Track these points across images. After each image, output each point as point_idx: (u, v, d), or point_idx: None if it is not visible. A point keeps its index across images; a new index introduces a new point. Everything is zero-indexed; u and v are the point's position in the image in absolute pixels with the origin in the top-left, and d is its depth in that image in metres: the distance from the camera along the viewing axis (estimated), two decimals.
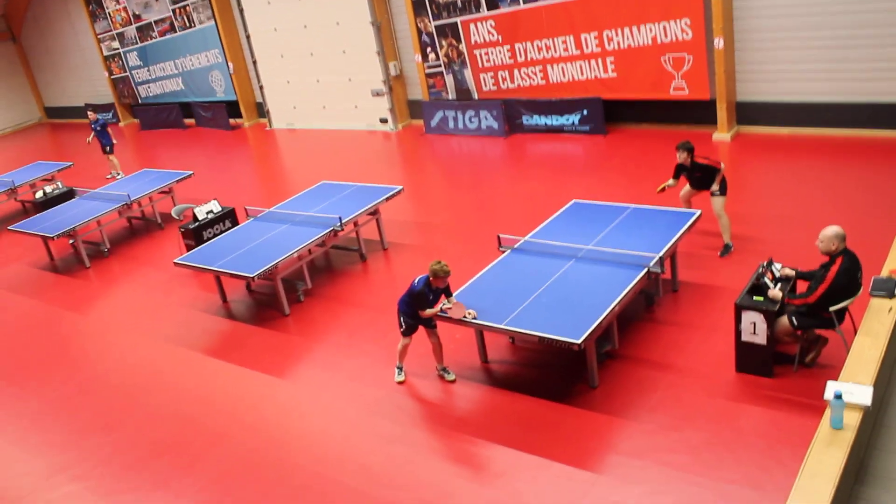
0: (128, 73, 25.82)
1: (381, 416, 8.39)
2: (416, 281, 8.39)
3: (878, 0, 12.93)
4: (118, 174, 19.06)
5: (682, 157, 10.50)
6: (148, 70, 25.13)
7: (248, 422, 8.72)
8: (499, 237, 9.91)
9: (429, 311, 8.35)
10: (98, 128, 19.08)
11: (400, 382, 8.86)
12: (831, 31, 13.53)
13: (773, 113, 14.77)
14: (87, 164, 21.06)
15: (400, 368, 8.95)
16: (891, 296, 7.40)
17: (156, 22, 23.95)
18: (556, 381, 8.49)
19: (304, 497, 7.42)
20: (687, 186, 10.95)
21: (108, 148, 19.18)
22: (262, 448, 8.21)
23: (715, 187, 10.46)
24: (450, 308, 8.26)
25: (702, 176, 10.58)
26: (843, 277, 7.39)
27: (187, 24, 23.12)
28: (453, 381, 8.69)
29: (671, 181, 10.86)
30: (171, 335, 11.04)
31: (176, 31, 23.58)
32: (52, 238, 13.74)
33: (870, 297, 7.49)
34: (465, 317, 8.21)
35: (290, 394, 9.21)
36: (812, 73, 14.04)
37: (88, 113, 19.97)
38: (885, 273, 7.82)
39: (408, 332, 8.70)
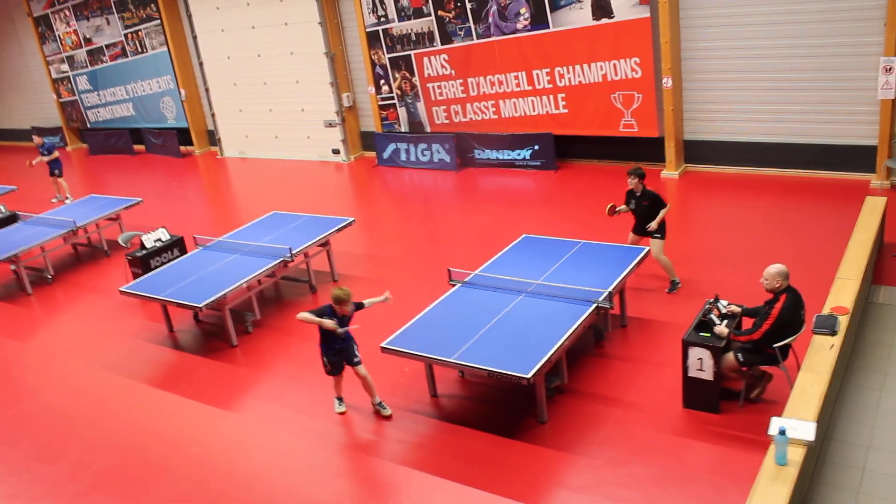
0: (77, 97, 25.47)
1: (328, 450, 8.30)
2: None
3: (819, 46, 13.37)
4: (67, 198, 18.73)
5: (632, 182, 10.49)
6: (98, 94, 24.82)
7: (194, 454, 8.55)
8: (449, 271, 9.93)
9: (327, 323, 8.20)
10: (45, 151, 18.81)
11: (341, 413, 8.82)
12: (775, 74, 13.95)
13: (720, 152, 15.11)
14: (33, 189, 20.63)
15: (339, 400, 8.90)
16: (832, 333, 7.59)
17: (107, 46, 23.71)
18: (506, 415, 8.49)
19: None
20: (631, 234, 10.86)
21: (56, 171, 18.92)
22: (207, 481, 8.05)
23: (654, 226, 10.38)
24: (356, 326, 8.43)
25: (648, 206, 10.47)
26: (787, 314, 7.54)
27: (139, 50, 22.93)
28: (389, 417, 8.59)
29: (623, 207, 10.84)
30: (115, 365, 10.80)
31: (128, 56, 23.36)
32: None
33: (812, 334, 7.67)
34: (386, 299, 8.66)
35: (237, 426, 9.06)
36: (757, 115, 14.43)
37: (34, 137, 19.66)
38: (826, 311, 8.02)
39: (334, 370, 8.65)
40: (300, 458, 8.26)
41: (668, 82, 14.71)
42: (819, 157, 14.09)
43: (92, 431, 9.24)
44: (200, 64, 21.95)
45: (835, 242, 10.61)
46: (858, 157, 13.65)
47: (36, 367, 11.23)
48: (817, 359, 7.30)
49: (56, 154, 19.12)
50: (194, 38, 21.67)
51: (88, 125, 25.63)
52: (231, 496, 7.77)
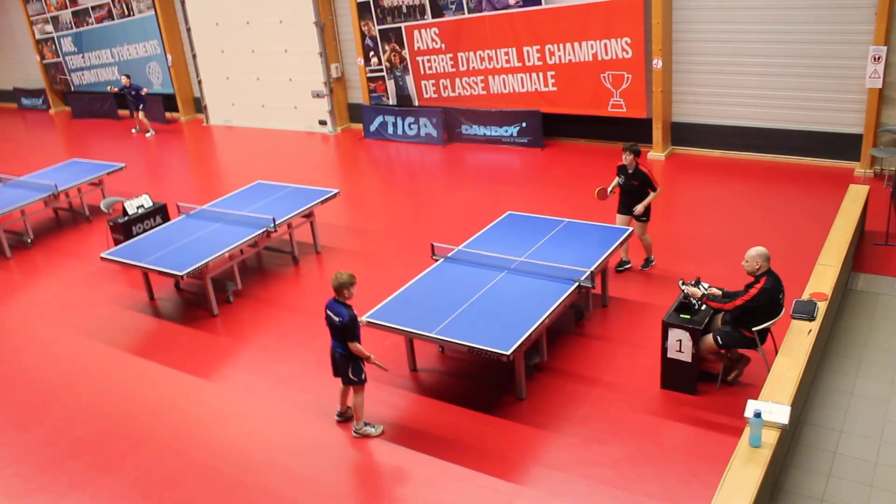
0: (61, 59, 25.13)
1: (307, 422, 8.31)
2: (335, 316, 7.55)
3: (810, 33, 13.38)
4: (148, 131, 21.49)
5: (627, 158, 10.23)
6: (83, 57, 24.49)
7: (172, 423, 8.55)
8: (432, 245, 9.92)
9: (362, 350, 7.60)
10: (132, 92, 21.17)
11: (383, 433, 8.01)
12: (764, 59, 13.95)
13: (707, 135, 15.13)
14: (14, 151, 20.43)
15: (369, 424, 8.02)
16: (811, 318, 7.66)
17: (93, 7, 23.36)
18: (485, 392, 8.53)
19: (228, 501, 7.30)
20: (618, 216, 10.63)
21: (141, 106, 21.43)
22: (185, 450, 8.06)
23: (640, 209, 10.26)
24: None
25: (638, 185, 10.29)
26: (765, 296, 7.59)
27: (126, 13, 22.62)
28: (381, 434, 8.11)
29: (609, 188, 10.67)
30: (94, 331, 10.76)
31: (114, 19, 23.04)
32: None
33: (791, 318, 7.74)
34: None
35: (216, 396, 9.06)
36: (745, 99, 14.44)
37: (122, 77, 21.53)
38: (806, 296, 8.09)
39: (366, 378, 7.83)
40: (279, 429, 8.28)
41: (658, 63, 14.68)
42: (805, 144, 14.14)
43: (70, 398, 9.21)
44: (188, 30, 21.68)
45: (817, 229, 10.68)
46: (844, 145, 13.71)
47: (14, 331, 11.17)
48: (795, 344, 7.37)
49: (144, 91, 21.51)
50: (182, 2, 21.39)
51: (73, 88, 25.32)
52: (208, 466, 7.78)
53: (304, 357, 9.53)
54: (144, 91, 21.58)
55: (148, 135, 21.52)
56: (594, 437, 7.62)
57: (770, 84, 14.10)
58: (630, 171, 10.37)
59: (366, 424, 7.98)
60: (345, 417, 8.22)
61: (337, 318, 7.52)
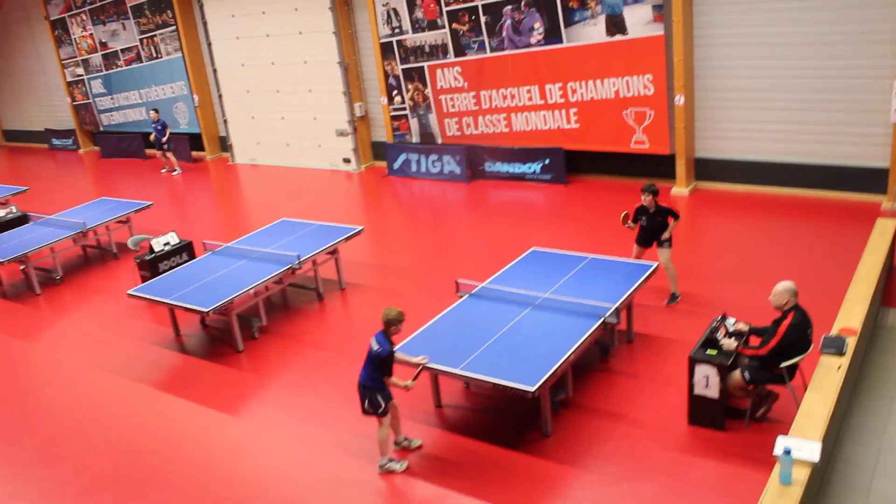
0: (90, 101, 25.61)
1: (331, 458, 8.28)
2: (377, 346, 7.56)
3: (834, 68, 13.36)
4: (175, 170, 21.91)
5: (646, 199, 10.40)
6: (111, 98, 24.95)
7: (197, 458, 8.55)
8: (457, 282, 9.93)
9: (396, 382, 7.62)
10: (159, 127, 21.70)
11: (407, 469, 7.96)
12: (789, 94, 13.93)
13: (731, 170, 15.08)
14: (44, 190, 20.76)
15: (393, 460, 7.99)
16: (840, 353, 7.55)
17: (122, 50, 23.84)
18: (510, 427, 8.46)
19: None
20: (635, 247, 10.84)
21: (166, 146, 21.86)
22: (209, 485, 8.05)
23: (666, 236, 10.48)
24: (412, 385, 7.72)
25: (663, 220, 10.47)
26: (794, 332, 7.51)
27: (154, 55, 23.06)
28: (420, 447, 8.25)
29: (630, 223, 10.80)
30: (120, 367, 10.82)
31: (142, 61, 23.49)
32: (3, 263, 13.44)
33: (820, 354, 7.63)
34: (424, 364, 7.94)
35: (240, 431, 9.06)
36: (769, 134, 14.41)
37: (151, 113, 22.34)
38: (835, 331, 7.98)
39: (387, 410, 7.73)
40: (302, 465, 8.25)
41: (680, 100, 14.71)
42: (830, 179, 14.05)
43: (95, 433, 9.25)
44: (214, 70, 22.05)
45: (844, 263, 10.55)
46: (870, 180, 13.61)
47: (41, 367, 11.27)
48: (824, 379, 7.26)
49: (168, 130, 21.91)
50: (209, 44, 21.79)
51: (101, 128, 25.76)
52: (231, 501, 7.75)
53: (328, 393, 9.52)
54: (168, 130, 21.94)
55: (175, 173, 21.81)
56: (621, 475, 7.52)
57: (794, 119, 14.06)
58: (652, 211, 10.53)
59: (390, 460, 7.94)
60: (400, 446, 8.22)
61: (377, 348, 7.56)
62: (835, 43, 13.25)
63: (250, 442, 8.82)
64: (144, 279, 12.44)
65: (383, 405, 7.70)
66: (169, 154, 21.98)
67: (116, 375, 10.61)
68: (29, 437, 9.33)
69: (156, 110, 22.11)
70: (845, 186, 13.95)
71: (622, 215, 10.81)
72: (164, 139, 21.79)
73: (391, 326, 7.61)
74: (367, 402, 7.70)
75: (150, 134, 22.47)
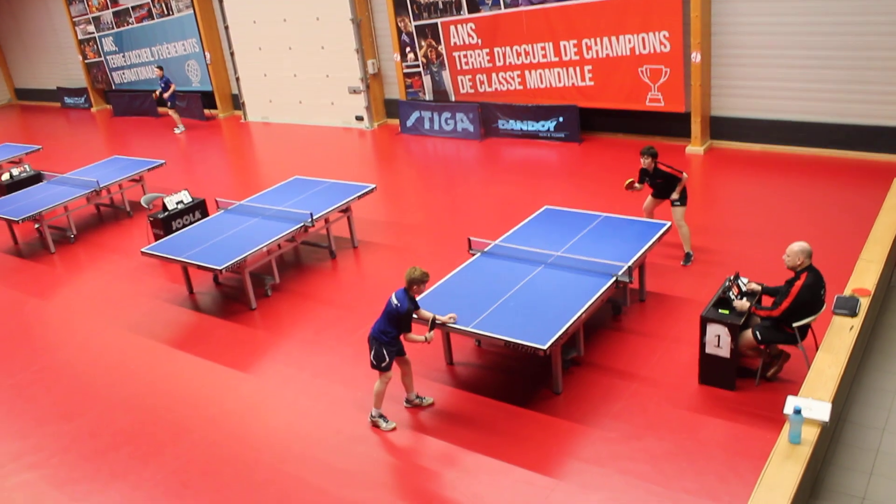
0: (102, 59, 25.52)
1: (344, 415, 8.36)
2: (395, 301, 7.62)
3: (853, 24, 13.12)
4: (177, 127, 21.90)
5: (645, 161, 10.54)
6: (123, 56, 24.85)
7: (211, 415, 8.66)
8: (469, 240, 9.92)
9: (414, 337, 7.71)
10: (162, 84, 21.51)
11: (394, 429, 8.04)
12: (806, 52, 13.71)
13: (747, 129, 14.92)
14: (57, 149, 20.80)
15: (384, 417, 8.07)
16: (853, 314, 7.53)
17: (133, 8, 23.69)
18: (521, 385, 8.51)
19: (264, 493, 7.38)
20: (649, 197, 11.01)
21: (169, 103, 21.66)
22: (223, 442, 8.16)
23: (675, 196, 10.52)
24: (431, 336, 7.82)
25: (663, 183, 10.63)
26: (807, 293, 7.48)
27: (165, 12, 22.91)
28: (432, 404, 8.35)
29: (637, 185, 10.90)
30: (135, 325, 10.93)
31: (154, 18, 23.34)
32: (17, 222, 13.54)
33: (832, 314, 7.61)
34: (452, 322, 8.03)
35: (254, 388, 9.15)
36: (786, 92, 14.21)
37: (155, 69, 22.32)
38: (848, 292, 7.95)
39: (390, 365, 7.83)
40: (315, 421, 8.34)
41: (696, 57, 14.52)
42: (847, 137, 13.88)
43: (110, 390, 9.37)
44: (226, 27, 21.89)
45: (860, 224, 10.49)
46: (888, 139, 13.44)
47: (57, 325, 11.38)
48: (836, 340, 7.24)
49: (172, 87, 21.60)
50: (220, 1, 21.60)
51: (113, 87, 25.71)
52: (245, 457, 7.86)
53: (341, 350, 9.59)
54: (173, 87, 21.75)
55: (177, 130, 21.84)
56: (631, 433, 7.57)
57: (811, 77, 13.86)
58: (651, 172, 10.64)
59: (380, 416, 8.05)
60: (412, 404, 8.30)
61: (395, 303, 7.62)
62: None
63: (263, 399, 8.91)
64: (158, 237, 12.50)
65: (387, 360, 7.77)
66: (172, 111, 21.96)
67: (131, 333, 10.71)
68: (46, 393, 9.47)
69: (160, 67, 22.07)
70: (863, 146, 13.77)
71: (627, 182, 10.90)
72: (167, 95, 21.58)
73: (414, 285, 7.63)
74: (373, 353, 7.79)
75: (155, 91, 22.41)
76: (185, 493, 7.48)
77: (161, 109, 23.61)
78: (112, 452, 8.19)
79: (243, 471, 7.68)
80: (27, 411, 9.13)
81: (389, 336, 7.71)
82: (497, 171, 16.10)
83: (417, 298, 7.82)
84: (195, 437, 8.29)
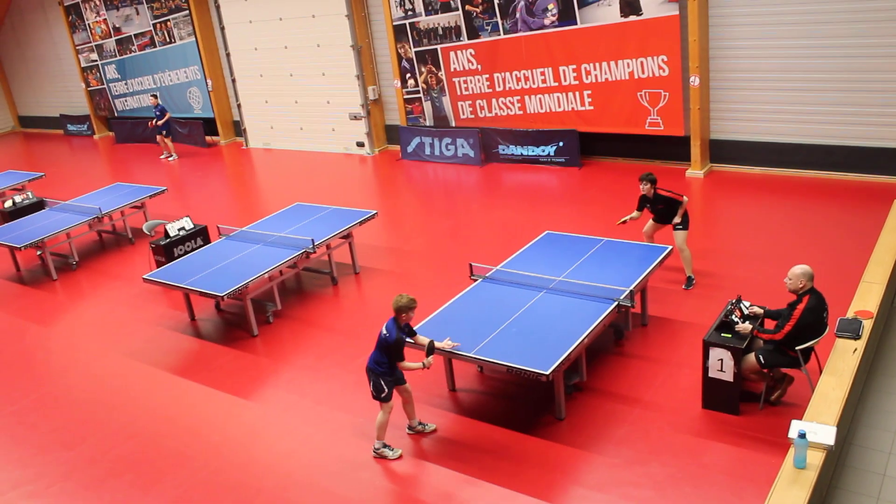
0: (105, 86, 25.68)
1: (346, 442, 8.32)
2: (385, 331, 7.60)
3: (850, 47, 13.21)
4: (171, 156, 22.06)
5: (645, 188, 10.59)
6: (125, 83, 25.01)
7: (212, 442, 8.62)
8: (471, 265, 9.92)
9: (410, 366, 7.65)
10: (157, 112, 21.86)
11: (400, 456, 7.97)
12: (805, 75, 13.78)
13: (747, 152, 14.97)
14: (59, 175, 20.86)
15: (388, 446, 8.00)
16: (856, 337, 7.51)
17: (136, 35, 23.89)
18: (524, 411, 8.47)
19: None
20: (650, 221, 11.02)
21: (164, 131, 21.94)
22: (225, 469, 8.11)
23: (677, 220, 10.54)
24: (430, 362, 7.71)
25: (664, 208, 10.67)
26: (810, 316, 7.47)
27: (167, 40, 23.08)
28: (435, 431, 8.32)
29: (635, 213, 10.95)
30: (136, 351, 10.91)
31: (156, 46, 23.52)
32: (20, 249, 13.57)
33: (835, 337, 7.59)
34: (452, 349, 8.03)
35: (256, 415, 9.11)
36: (785, 115, 14.27)
37: (150, 98, 22.83)
38: (850, 314, 7.93)
39: (390, 395, 7.79)
40: (317, 449, 8.30)
41: (695, 81, 14.60)
42: (847, 160, 13.92)
43: (112, 417, 9.33)
44: (228, 55, 22.05)
45: (861, 245, 10.49)
46: (887, 160, 13.48)
47: (58, 352, 11.36)
48: (839, 363, 7.22)
49: (167, 116, 21.95)
50: (222, 28, 21.78)
51: (116, 114, 25.85)
52: (247, 485, 7.82)
53: (342, 377, 9.56)
54: (168, 115, 21.99)
55: (170, 159, 21.99)
56: (635, 458, 7.52)
57: (810, 99, 13.92)
58: (651, 198, 10.69)
59: (384, 446, 7.99)
60: (415, 430, 8.26)
61: (385, 333, 7.61)
62: (852, 22, 13.09)
63: (265, 426, 8.87)
64: (159, 264, 12.51)
65: (386, 390, 7.75)
66: (166, 139, 22.12)
67: (133, 360, 10.69)
68: (47, 421, 9.43)
69: (154, 95, 22.38)
70: (862, 168, 13.82)
71: (619, 222, 11.12)
72: (160, 123, 21.85)
73: (402, 313, 7.61)
74: (371, 385, 7.77)
75: (152, 120, 22.65)
76: None
77: (159, 137, 23.72)
78: (113, 480, 8.14)
79: (245, 499, 7.63)
80: (28, 439, 9.09)
81: (384, 366, 7.68)
82: (498, 196, 16.13)
83: (416, 326, 7.79)
84: (196, 464, 8.24)
